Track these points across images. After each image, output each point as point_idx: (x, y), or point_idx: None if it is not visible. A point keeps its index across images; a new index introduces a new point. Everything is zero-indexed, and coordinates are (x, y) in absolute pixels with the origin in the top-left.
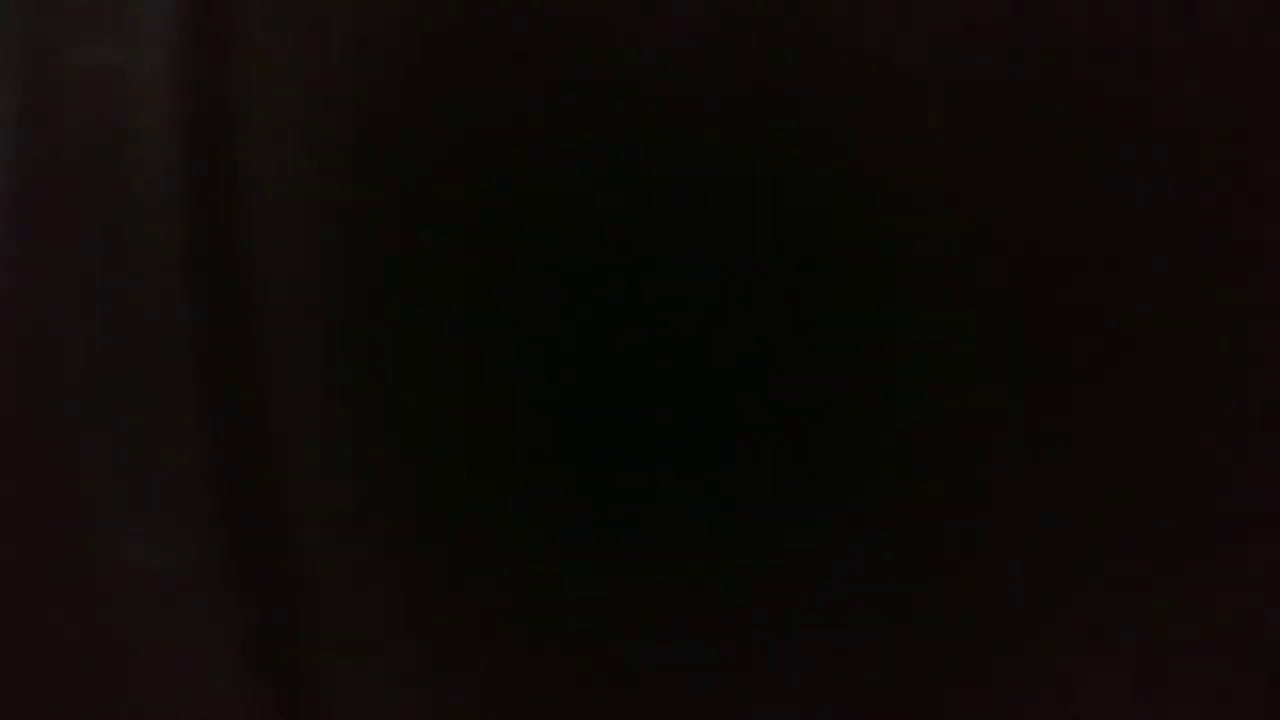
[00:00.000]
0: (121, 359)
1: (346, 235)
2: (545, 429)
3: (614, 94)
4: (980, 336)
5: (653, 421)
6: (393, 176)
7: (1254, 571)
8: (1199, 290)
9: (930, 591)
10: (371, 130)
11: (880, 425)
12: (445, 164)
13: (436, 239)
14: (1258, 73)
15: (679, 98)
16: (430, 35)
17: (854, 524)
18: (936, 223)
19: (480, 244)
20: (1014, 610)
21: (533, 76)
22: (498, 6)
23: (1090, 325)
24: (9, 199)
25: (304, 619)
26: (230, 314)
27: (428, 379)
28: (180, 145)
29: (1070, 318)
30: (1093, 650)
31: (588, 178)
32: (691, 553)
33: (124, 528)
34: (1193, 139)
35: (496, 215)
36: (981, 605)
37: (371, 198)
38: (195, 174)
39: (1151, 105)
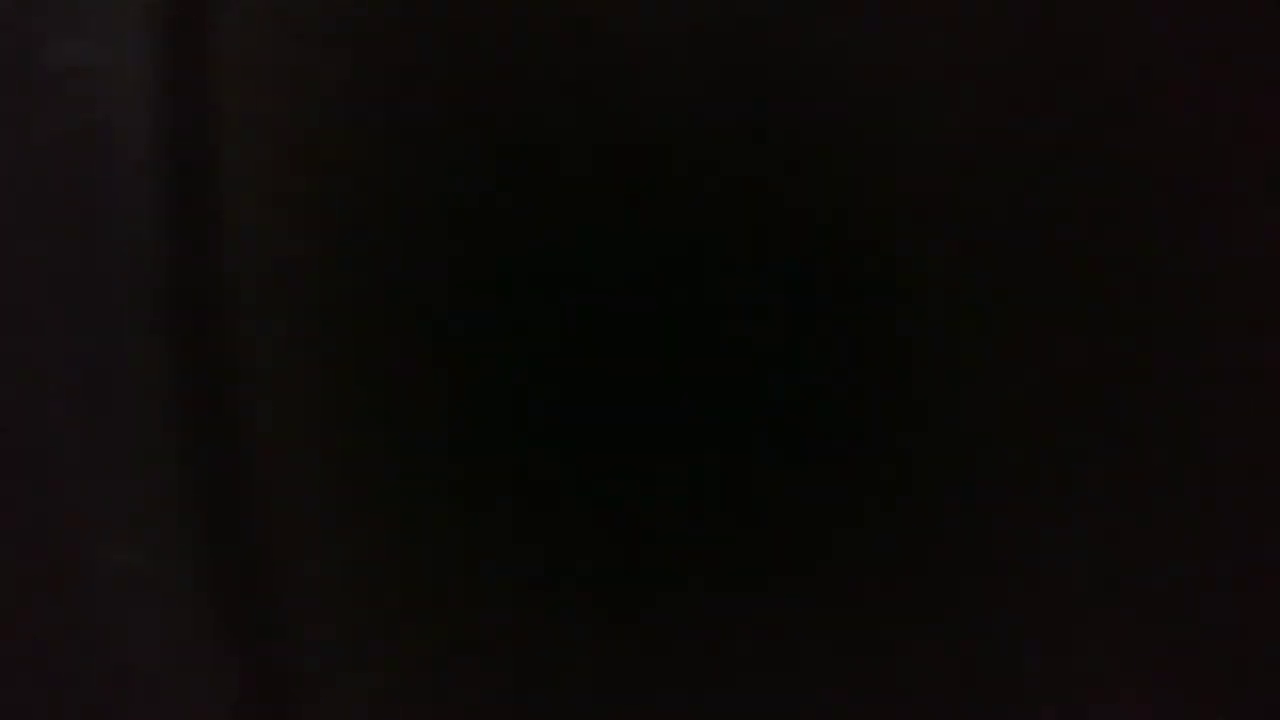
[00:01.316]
0: (98, 360)
1: (326, 235)
2: (530, 430)
3: (604, 98)
4: (986, 340)
5: (641, 421)
6: (373, 176)
7: (1261, 579)
8: (1201, 292)
9: (943, 607)
10: (351, 129)
11: (889, 433)
12: (428, 163)
13: (417, 241)
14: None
15: (675, 99)
16: (414, 32)
17: (863, 534)
18: (937, 223)
19: (463, 245)
20: (1029, 628)
21: (523, 75)
22: (485, 4)
23: (1097, 327)
24: None
25: (284, 618)
26: (208, 316)
27: (407, 379)
28: (158, 145)
29: (1078, 320)
30: (1109, 669)
31: (577, 179)
32: (687, 557)
33: (104, 529)
34: (1194, 141)
35: (479, 216)
36: (997, 621)
37: (352, 198)
38: (173, 174)
39: (1153, 108)
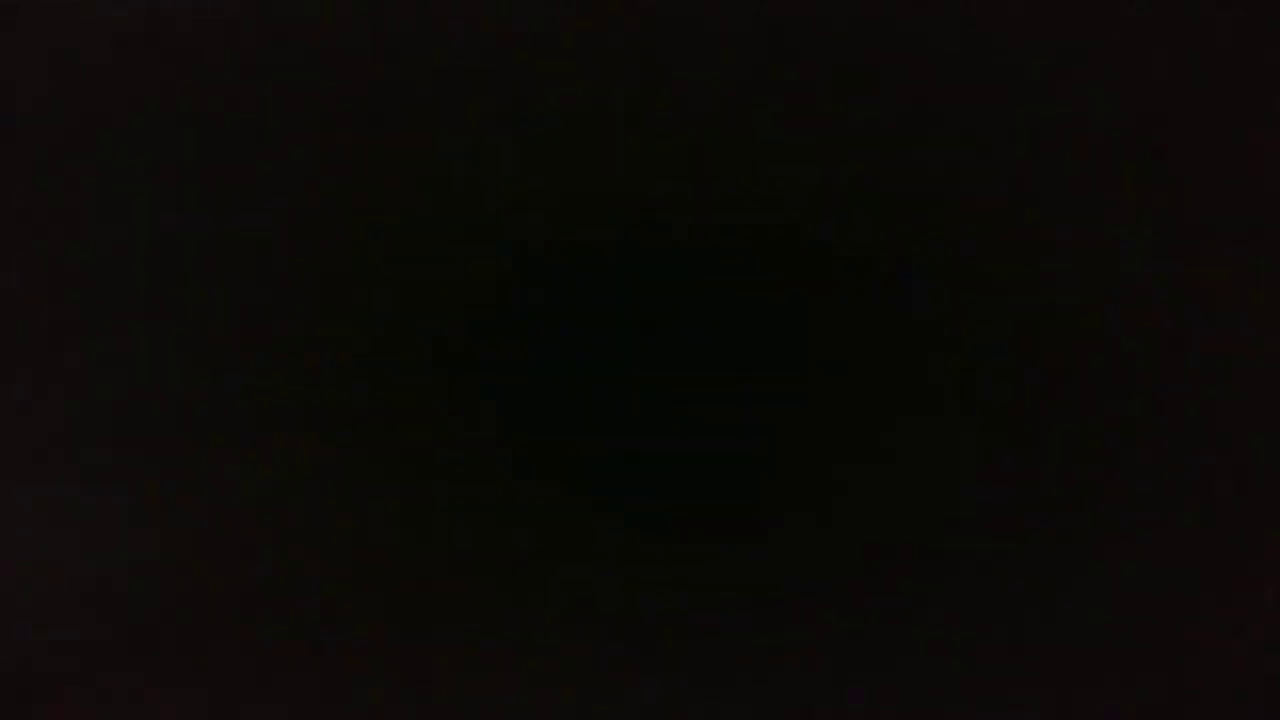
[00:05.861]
0: None
1: None
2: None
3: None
4: (980, 342)
5: (645, 425)
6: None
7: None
8: (1197, 295)
9: (934, 606)
10: None
11: (881, 432)
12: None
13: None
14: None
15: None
16: None
17: (855, 532)
18: (937, 227)
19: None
20: (1019, 623)
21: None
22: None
23: (1097, 327)
24: None
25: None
26: None
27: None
28: None
29: (1077, 320)
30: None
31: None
32: (688, 561)
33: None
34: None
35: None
36: (983, 616)
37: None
38: None
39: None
